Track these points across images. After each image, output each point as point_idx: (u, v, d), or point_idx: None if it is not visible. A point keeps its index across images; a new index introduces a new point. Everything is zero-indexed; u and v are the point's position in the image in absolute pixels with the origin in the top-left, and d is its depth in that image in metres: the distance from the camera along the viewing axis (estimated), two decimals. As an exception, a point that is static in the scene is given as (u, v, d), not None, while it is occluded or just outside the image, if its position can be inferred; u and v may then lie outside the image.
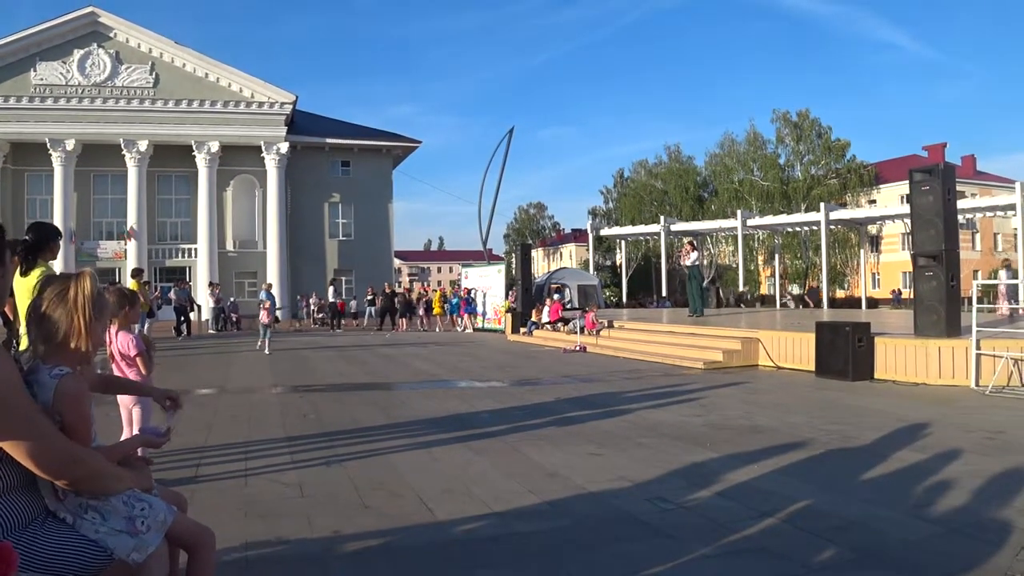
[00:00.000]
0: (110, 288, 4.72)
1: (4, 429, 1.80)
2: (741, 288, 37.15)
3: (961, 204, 22.11)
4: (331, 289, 29.50)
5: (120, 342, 4.64)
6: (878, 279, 54.54)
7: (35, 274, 4.17)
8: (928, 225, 10.72)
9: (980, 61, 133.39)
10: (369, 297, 29.41)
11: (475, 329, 26.03)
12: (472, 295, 26.95)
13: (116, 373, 4.69)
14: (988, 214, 35.58)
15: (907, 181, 11.60)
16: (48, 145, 36.54)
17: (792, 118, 51.66)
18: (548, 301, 21.66)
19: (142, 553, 2.04)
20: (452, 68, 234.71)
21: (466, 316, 26.73)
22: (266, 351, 16.46)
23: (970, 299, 10.67)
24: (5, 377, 1.80)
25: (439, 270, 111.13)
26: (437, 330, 26.62)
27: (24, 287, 4.28)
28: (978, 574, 3.33)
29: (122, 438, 4.51)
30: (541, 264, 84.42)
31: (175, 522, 2.21)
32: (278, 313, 26.02)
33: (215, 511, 4.20)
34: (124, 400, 4.80)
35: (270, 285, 31.03)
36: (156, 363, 5.03)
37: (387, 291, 28.99)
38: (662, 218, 40.33)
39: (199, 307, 27.27)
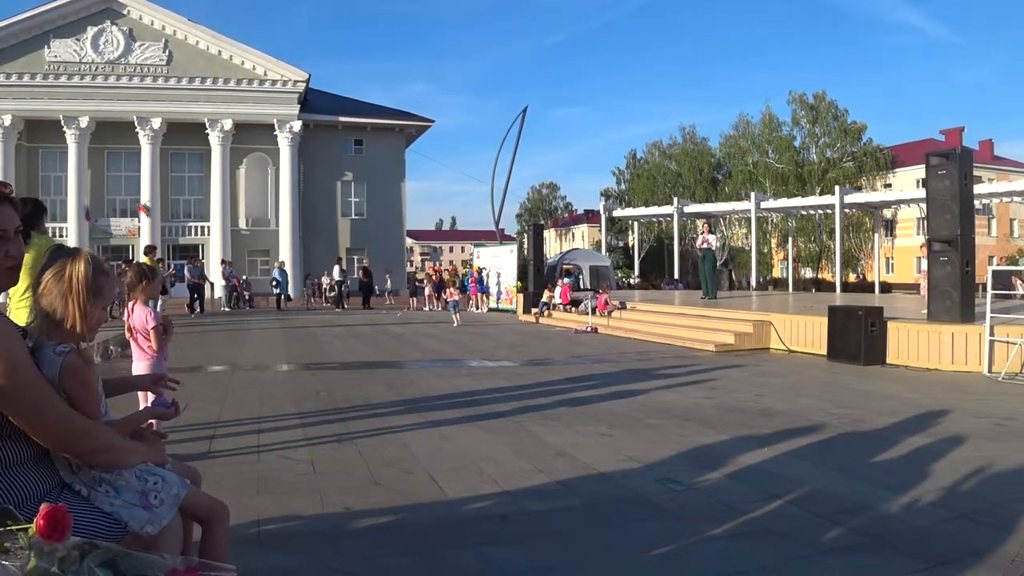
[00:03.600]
0: (128, 264, 4.76)
1: (13, 401, 1.81)
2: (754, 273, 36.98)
3: (978, 189, 21.87)
4: (336, 268, 29.50)
5: (137, 315, 4.68)
6: (892, 264, 54.15)
7: (36, 245, 4.11)
8: (944, 210, 10.62)
9: (998, 44, 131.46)
10: (338, 279, 29.20)
11: (488, 309, 26.03)
12: (483, 275, 26.91)
13: (134, 348, 4.74)
14: (1005, 199, 35.25)
15: (923, 165, 11.49)
16: (62, 122, 36.66)
17: (808, 100, 51.23)
18: (560, 283, 21.65)
19: (156, 526, 2.07)
20: (466, 47, 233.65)
21: (477, 296, 26.72)
22: (455, 323, 18.77)
23: (984, 285, 10.58)
24: (14, 349, 1.82)
25: (451, 249, 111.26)
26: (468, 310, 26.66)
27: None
28: (986, 560, 3.32)
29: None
30: (553, 245, 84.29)
31: (189, 496, 2.23)
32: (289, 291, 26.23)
33: (228, 486, 4.24)
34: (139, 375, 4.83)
35: (282, 263, 31.29)
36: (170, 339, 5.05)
37: (365, 267, 29.12)
38: (675, 199, 40.11)
39: (212, 284, 27.41)
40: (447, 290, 20.21)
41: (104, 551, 1.58)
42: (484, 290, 26.63)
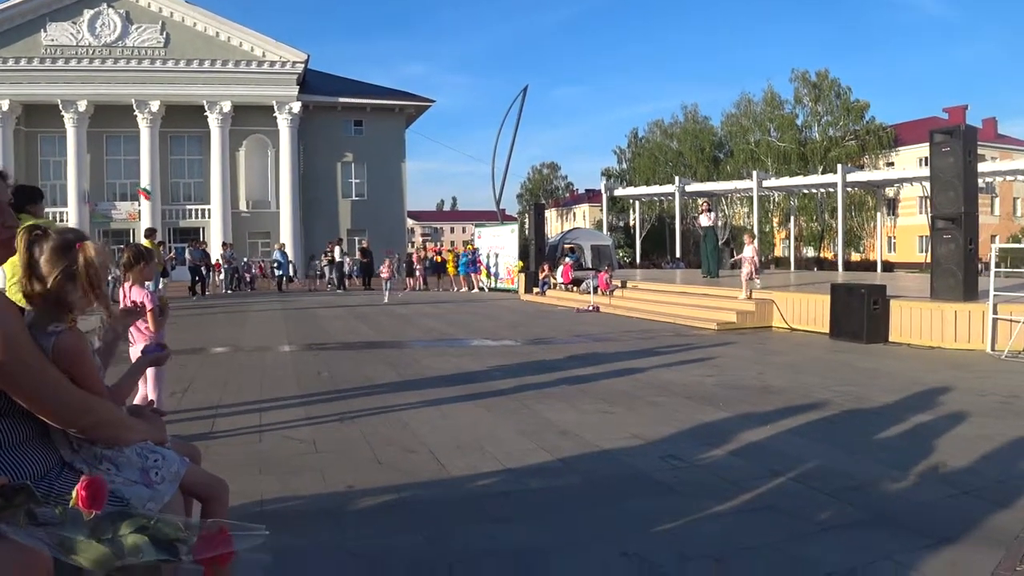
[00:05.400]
0: (125, 246, 4.73)
1: (15, 378, 1.80)
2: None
3: (981, 167, 21.77)
4: (337, 249, 29.41)
5: (134, 297, 4.66)
6: (894, 243, 54.04)
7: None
8: (947, 187, 10.57)
9: (1002, 22, 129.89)
10: (330, 258, 28.86)
11: (489, 289, 25.98)
12: (476, 254, 26.86)
13: (132, 329, 4.72)
14: (1008, 178, 35.11)
15: (926, 144, 11.43)
16: (60, 107, 36.45)
17: (811, 78, 50.96)
18: (561, 262, 21.64)
19: (157, 503, 2.06)
20: (466, 26, 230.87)
21: (473, 275, 26.68)
22: (387, 300, 20.13)
23: (987, 263, 10.55)
24: (15, 327, 1.80)
25: (452, 230, 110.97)
26: (454, 290, 26.65)
27: None
28: (989, 536, 3.31)
29: (137, 396, 4.56)
30: (555, 225, 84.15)
31: (188, 473, 2.23)
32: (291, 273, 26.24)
33: (230, 466, 4.24)
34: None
35: (283, 245, 31.25)
36: (171, 322, 5.05)
37: (363, 247, 29.18)
38: (677, 179, 40.04)
39: (216, 265, 27.35)
40: (382, 269, 21.95)
41: (137, 518, 1.63)
42: (476, 269, 26.57)
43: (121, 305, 4.76)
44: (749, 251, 13.60)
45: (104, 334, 2.52)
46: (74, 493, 1.60)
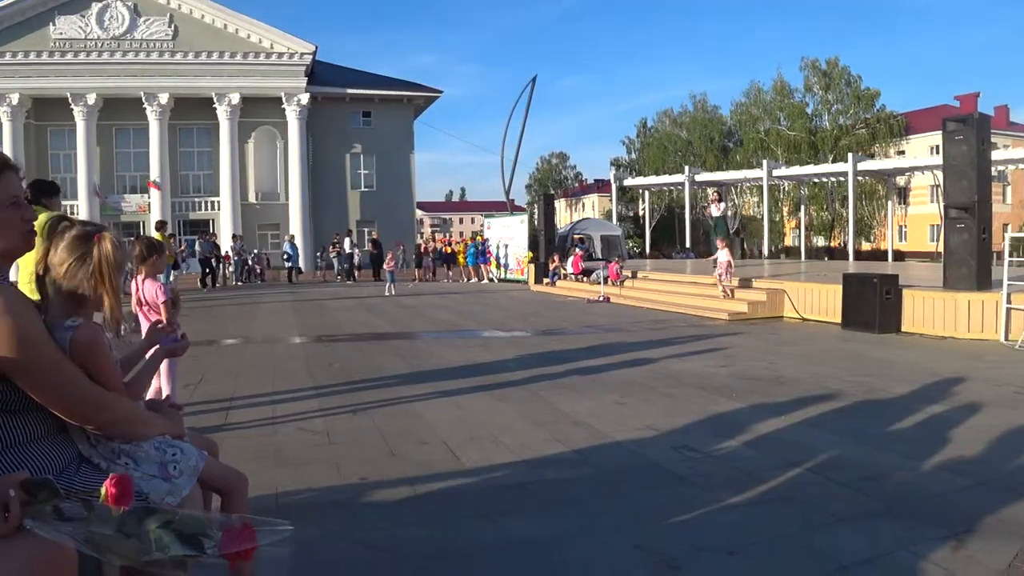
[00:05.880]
0: (136, 238, 4.75)
1: (32, 375, 1.80)
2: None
3: (994, 155, 21.57)
4: (347, 240, 29.42)
5: (147, 290, 4.68)
6: (905, 232, 53.67)
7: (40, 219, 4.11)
8: (960, 176, 10.49)
9: (1013, 7, 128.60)
10: (338, 249, 28.98)
11: (499, 280, 25.95)
12: (486, 245, 26.84)
13: (144, 322, 4.75)
14: (1020, 166, 34.73)
15: (938, 131, 11.35)
16: (70, 100, 36.50)
17: (821, 66, 50.49)
18: (572, 252, 21.62)
19: (176, 497, 2.06)
20: (474, 16, 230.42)
21: (483, 266, 26.68)
22: (388, 293, 19.61)
23: (1000, 253, 10.47)
24: (32, 323, 1.80)
25: (460, 221, 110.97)
26: (464, 281, 26.65)
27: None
28: (1005, 528, 3.29)
29: (151, 391, 4.57)
30: (564, 215, 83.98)
31: (207, 467, 2.23)
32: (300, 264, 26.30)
33: (244, 458, 4.24)
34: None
35: (292, 236, 31.31)
36: (182, 314, 5.06)
37: (373, 238, 29.28)
38: (686, 168, 39.81)
39: (225, 257, 27.41)
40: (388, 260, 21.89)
41: (162, 513, 1.65)
42: (486, 260, 26.56)
43: (134, 298, 4.79)
44: (724, 255, 13.58)
45: (125, 337, 2.51)
46: (103, 490, 1.62)
